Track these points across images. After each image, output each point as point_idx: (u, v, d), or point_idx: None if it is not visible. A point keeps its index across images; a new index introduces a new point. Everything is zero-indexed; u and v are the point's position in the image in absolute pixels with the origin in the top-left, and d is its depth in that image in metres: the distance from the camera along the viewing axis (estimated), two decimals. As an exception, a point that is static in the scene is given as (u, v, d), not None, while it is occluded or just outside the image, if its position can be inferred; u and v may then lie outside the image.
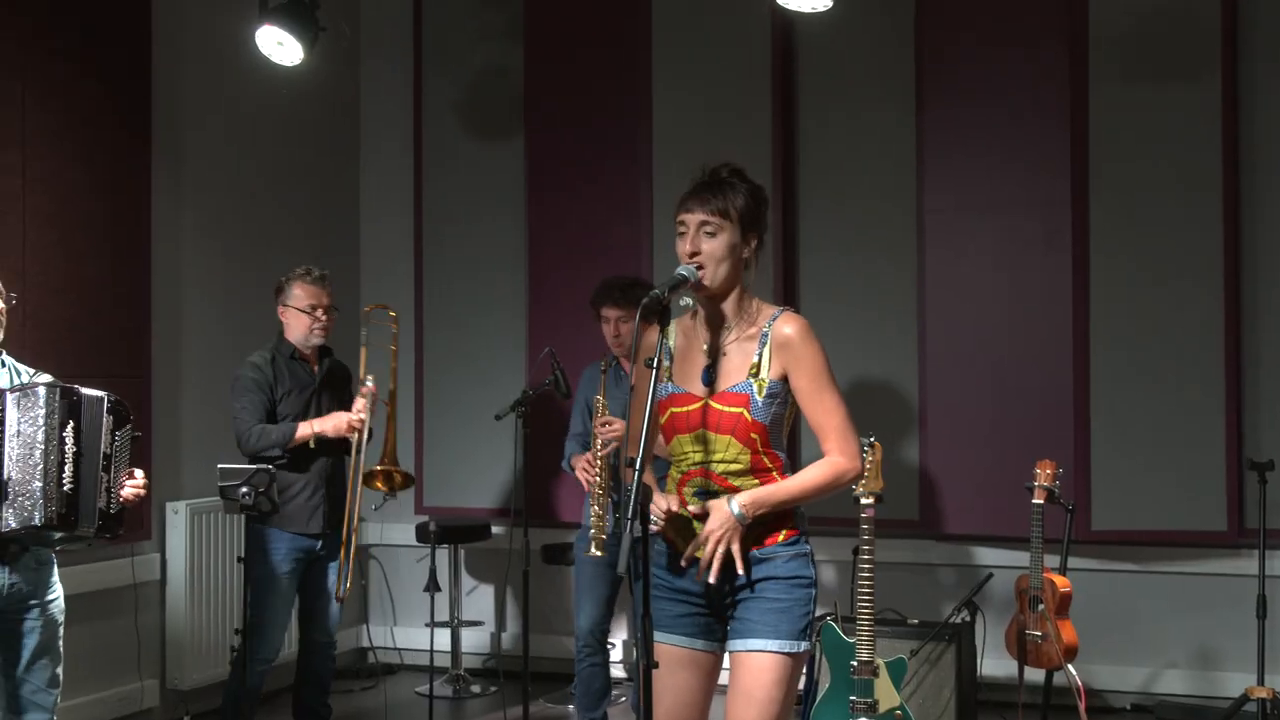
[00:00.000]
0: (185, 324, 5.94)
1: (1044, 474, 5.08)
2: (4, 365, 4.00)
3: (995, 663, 5.68)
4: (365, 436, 5.06)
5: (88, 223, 5.41)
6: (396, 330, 5.31)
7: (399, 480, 5.28)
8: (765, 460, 3.12)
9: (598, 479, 4.97)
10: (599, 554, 4.96)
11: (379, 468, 5.19)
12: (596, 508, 4.97)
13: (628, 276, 5.46)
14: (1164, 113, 5.77)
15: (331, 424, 5.00)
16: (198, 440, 5.90)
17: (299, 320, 5.07)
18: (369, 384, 5.03)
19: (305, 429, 4.97)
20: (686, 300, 3.22)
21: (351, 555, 5.06)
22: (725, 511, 3.04)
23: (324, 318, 5.08)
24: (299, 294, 5.08)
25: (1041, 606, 4.97)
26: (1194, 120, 5.72)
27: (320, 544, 5.09)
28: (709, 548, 3.04)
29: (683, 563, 3.10)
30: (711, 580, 3.04)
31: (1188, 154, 5.74)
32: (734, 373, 3.14)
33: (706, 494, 3.13)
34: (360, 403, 5.02)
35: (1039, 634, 4.98)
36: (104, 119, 5.49)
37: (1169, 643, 5.87)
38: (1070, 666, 4.97)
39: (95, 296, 5.43)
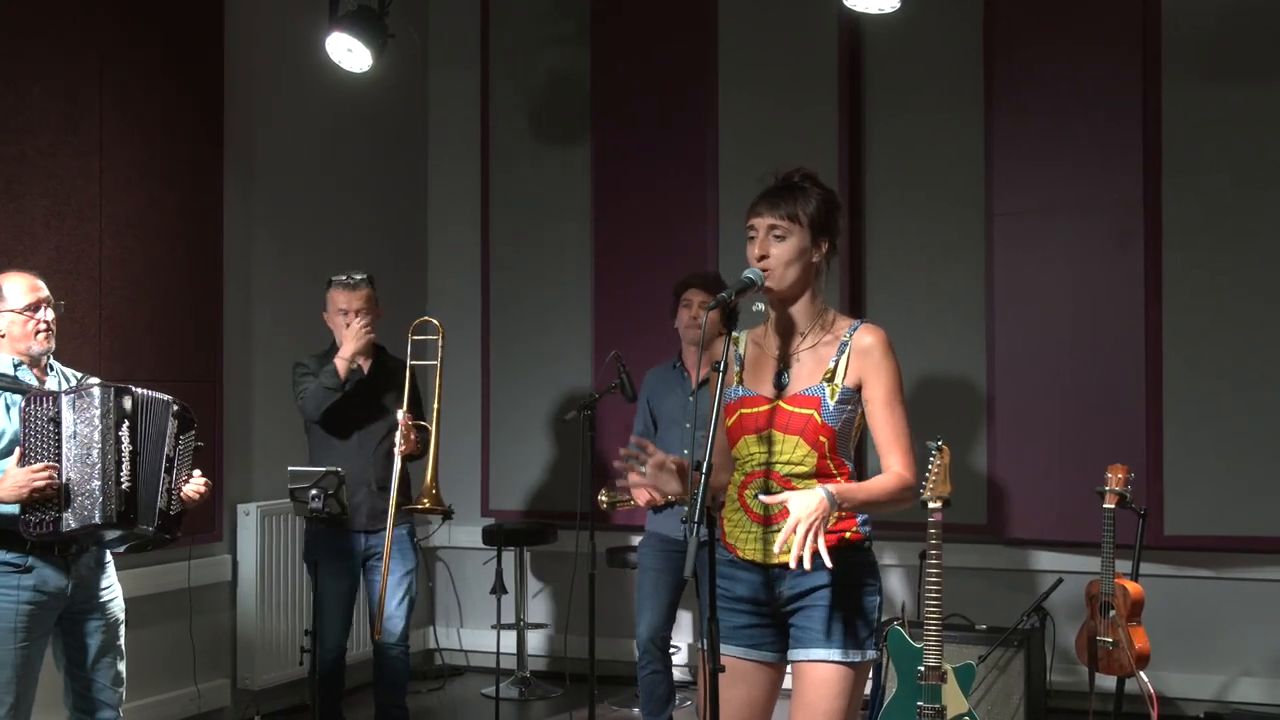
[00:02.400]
0: (256, 328, 6.02)
1: (1115, 478, 5.01)
2: (54, 370, 4.08)
3: (1065, 669, 5.62)
4: (405, 450, 5.04)
5: (162, 229, 5.50)
6: (443, 344, 5.18)
7: (441, 510, 5.22)
8: (831, 465, 3.08)
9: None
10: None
11: (419, 507, 5.07)
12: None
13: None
14: (1239, 111, 5.68)
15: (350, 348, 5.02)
16: (268, 443, 5.98)
17: (338, 325, 5.14)
18: (400, 416, 5.01)
19: (341, 361, 5.01)
20: (759, 305, 3.20)
21: (387, 549, 5.05)
22: (819, 496, 2.89)
23: (356, 320, 5.06)
24: (333, 300, 5.15)
25: (1113, 613, 4.91)
26: (1270, 119, 5.63)
27: (367, 540, 5.11)
28: (802, 532, 2.85)
29: (777, 549, 2.92)
30: (808, 567, 2.86)
31: (1263, 153, 5.64)
32: (806, 376, 3.12)
33: (769, 495, 3.09)
34: (397, 435, 5.03)
35: (1110, 640, 4.92)
36: (178, 127, 5.58)
37: (1244, 650, 5.77)
38: (1142, 674, 4.90)
39: (169, 302, 5.52)
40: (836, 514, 2.95)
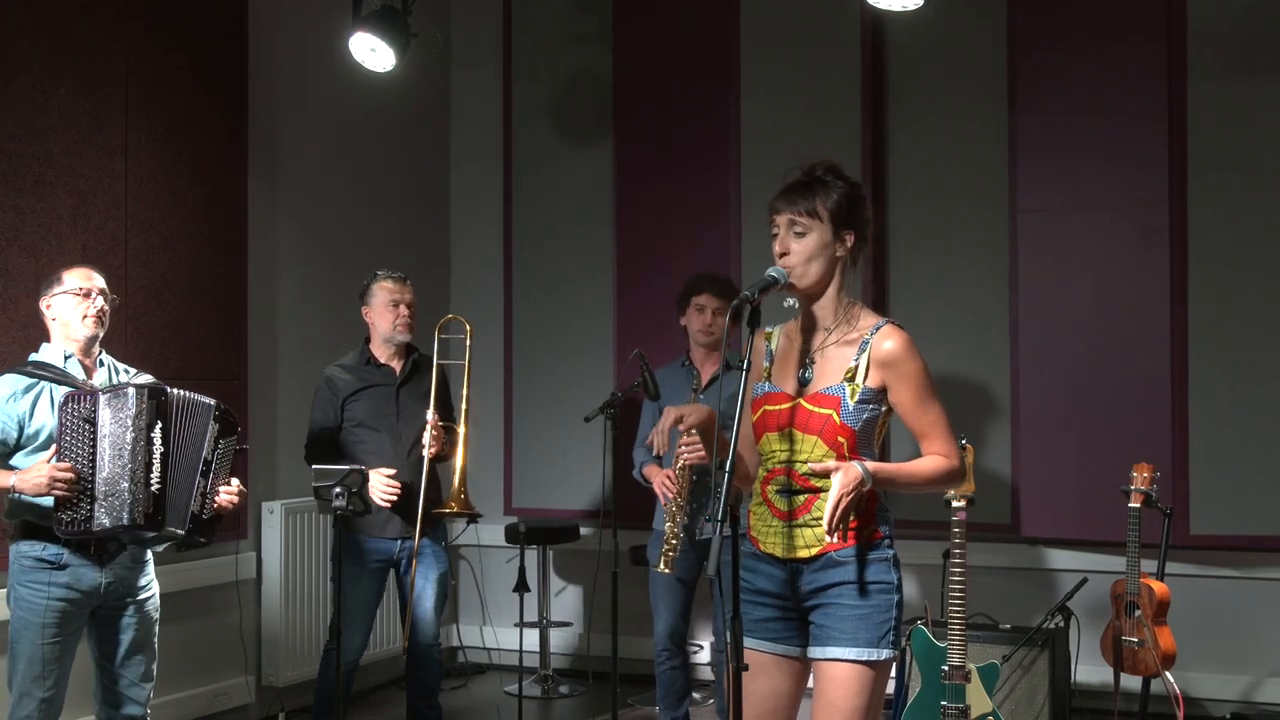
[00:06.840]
0: (280, 326, 6.05)
1: (1141, 477, 4.99)
2: (104, 365, 4.12)
3: (1090, 669, 5.59)
4: (431, 454, 4.97)
5: (186, 229, 5.53)
6: (470, 343, 5.16)
7: (469, 514, 5.11)
8: (851, 465, 3.08)
9: (676, 496, 4.90)
10: (668, 571, 4.90)
11: (446, 511, 5.02)
12: (671, 524, 4.88)
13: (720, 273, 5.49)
14: (1265, 108, 5.65)
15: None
16: (293, 441, 5.98)
17: (383, 318, 5.10)
18: (429, 417, 4.96)
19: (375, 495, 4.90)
20: (790, 301, 3.20)
21: (414, 557, 4.99)
22: (857, 471, 2.95)
23: (406, 312, 5.09)
24: (380, 293, 5.11)
25: (1138, 612, 4.89)
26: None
27: (399, 547, 5.07)
28: (843, 506, 2.92)
29: (826, 523, 2.95)
30: (834, 539, 2.96)
31: (1289, 151, 5.62)
32: (829, 374, 3.12)
33: (789, 492, 3.10)
34: (426, 437, 4.94)
35: (1136, 640, 4.90)
36: (202, 126, 5.61)
37: (1271, 650, 5.73)
38: (1168, 674, 4.88)
39: (194, 300, 5.55)
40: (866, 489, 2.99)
